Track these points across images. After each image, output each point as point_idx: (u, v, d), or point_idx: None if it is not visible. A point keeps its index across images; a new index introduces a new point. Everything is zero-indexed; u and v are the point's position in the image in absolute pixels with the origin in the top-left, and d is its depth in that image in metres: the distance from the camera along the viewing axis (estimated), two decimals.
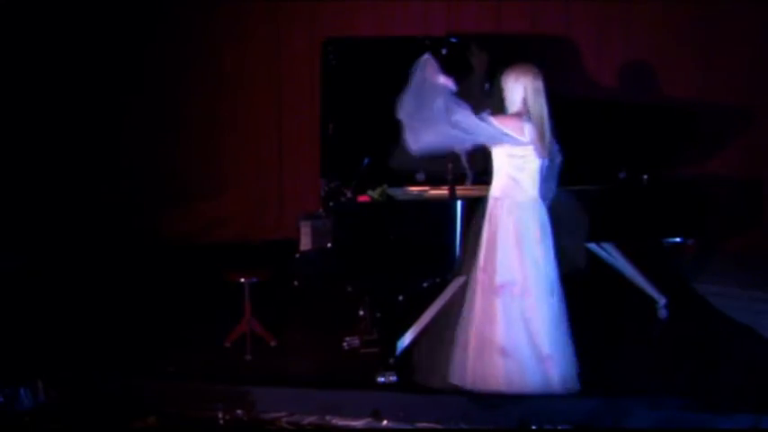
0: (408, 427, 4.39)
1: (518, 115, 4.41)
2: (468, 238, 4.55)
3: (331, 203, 5.03)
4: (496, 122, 4.37)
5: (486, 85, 4.61)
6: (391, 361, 4.73)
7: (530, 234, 4.41)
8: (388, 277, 4.78)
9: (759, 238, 7.80)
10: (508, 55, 4.59)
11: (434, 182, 5.26)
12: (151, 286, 6.88)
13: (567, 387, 4.42)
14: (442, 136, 4.28)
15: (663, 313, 5.87)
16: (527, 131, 4.37)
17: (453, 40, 5.19)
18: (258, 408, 4.53)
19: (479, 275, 4.47)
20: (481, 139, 4.40)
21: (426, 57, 4.38)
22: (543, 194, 4.48)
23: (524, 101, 4.40)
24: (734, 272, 7.13)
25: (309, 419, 4.46)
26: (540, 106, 4.39)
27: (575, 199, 4.79)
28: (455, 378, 4.51)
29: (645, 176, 5.64)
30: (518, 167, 4.43)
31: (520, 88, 4.41)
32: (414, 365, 4.69)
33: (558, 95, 4.52)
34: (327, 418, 4.46)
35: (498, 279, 4.42)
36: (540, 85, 4.39)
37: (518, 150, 4.40)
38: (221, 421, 4.49)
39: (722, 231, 7.53)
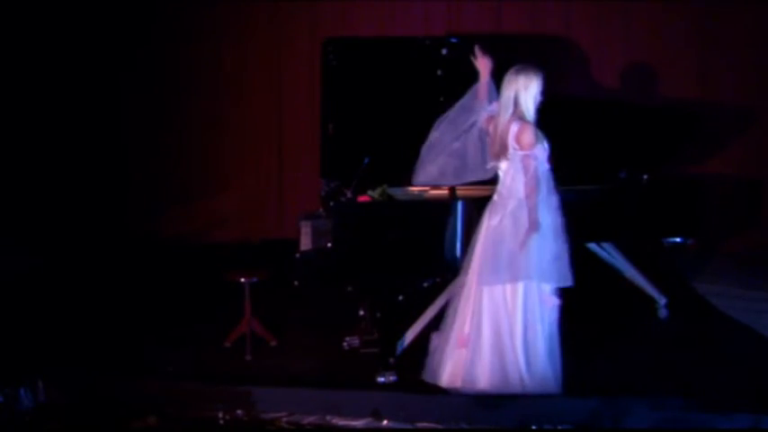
0: (408, 427, 4.39)
1: (511, 118, 4.37)
2: (469, 239, 4.55)
3: (331, 203, 5.02)
4: (487, 126, 4.39)
5: (492, 87, 4.61)
6: (391, 361, 4.72)
7: (507, 236, 4.38)
8: (388, 277, 4.77)
9: (759, 238, 7.80)
10: (508, 55, 4.59)
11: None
12: (151, 286, 6.88)
13: (548, 389, 4.39)
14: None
15: (663, 313, 5.86)
16: (526, 135, 4.32)
17: (453, 40, 5.18)
18: (258, 408, 4.53)
19: (468, 275, 4.50)
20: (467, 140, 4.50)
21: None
22: (544, 197, 4.43)
23: (518, 103, 4.38)
24: (734, 272, 7.13)
25: (309, 419, 4.46)
26: (534, 108, 4.37)
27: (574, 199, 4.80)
28: (447, 376, 4.51)
29: (645, 176, 5.63)
30: (507, 170, 4.41)
31: (515, 90, 4.35)
32: (422, 365, 4.69)
33: (559, 95, 4.51)
34: (327, 418, 4.46)
35: (476, 279, 4.44)
36: (538, 87, 4.36)
37: (512, 152, 4.38)
38: (221, 421, 4.49)
39: (722, 231, 7.53)
